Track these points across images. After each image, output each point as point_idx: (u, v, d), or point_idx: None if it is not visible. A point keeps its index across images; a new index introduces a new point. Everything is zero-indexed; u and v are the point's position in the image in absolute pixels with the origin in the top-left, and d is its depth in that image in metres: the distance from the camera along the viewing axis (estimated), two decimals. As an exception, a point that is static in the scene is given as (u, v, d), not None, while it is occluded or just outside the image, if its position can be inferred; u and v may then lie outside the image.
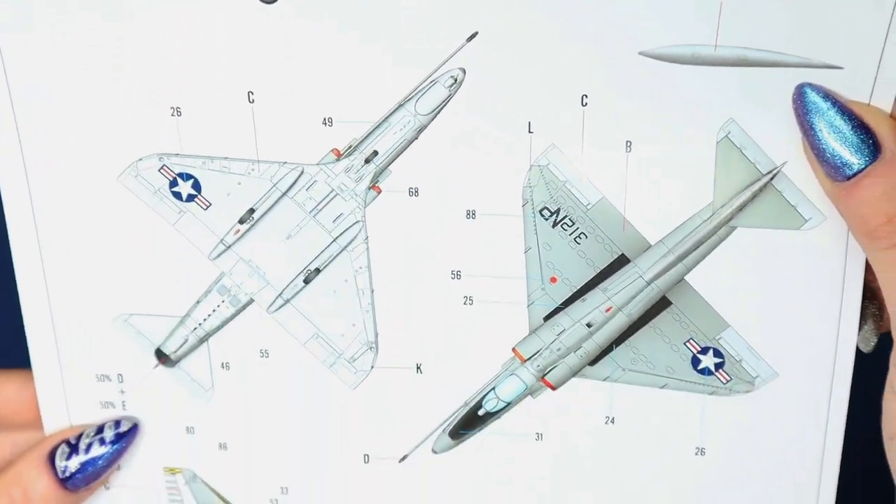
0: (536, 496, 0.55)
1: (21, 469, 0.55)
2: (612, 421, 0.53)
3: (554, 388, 0.52)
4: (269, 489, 0.58)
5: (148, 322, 0.55)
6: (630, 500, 0.54)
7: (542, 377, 0.52)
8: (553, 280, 0.51)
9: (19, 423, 0.59)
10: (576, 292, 0.51)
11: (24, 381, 0.58)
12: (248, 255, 0.53)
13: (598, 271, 0.50)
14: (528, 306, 0.51)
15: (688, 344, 0.50)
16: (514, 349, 0.52)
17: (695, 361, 0.51)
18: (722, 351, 0.50)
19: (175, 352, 0.55)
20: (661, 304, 0.50)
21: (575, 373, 0.52)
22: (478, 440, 0.54)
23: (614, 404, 0.52)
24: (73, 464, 0.55)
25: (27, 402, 0.58)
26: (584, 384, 0.52)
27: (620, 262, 0.50)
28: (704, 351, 0.50)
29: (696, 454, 0.52)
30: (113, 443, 0.56)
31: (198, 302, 0.54)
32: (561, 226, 0.50)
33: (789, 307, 0.49)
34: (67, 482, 0.55)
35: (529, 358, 0.52)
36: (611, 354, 0.51)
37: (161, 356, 0.56)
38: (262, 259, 0.53)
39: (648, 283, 0.49)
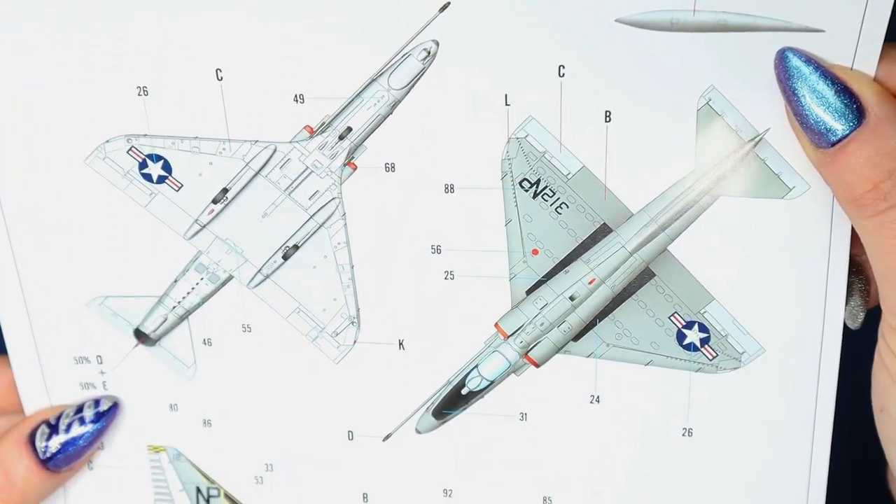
0: (521, 477, 0.54)
1: (1, 451, 0.55)
2: (598, 400, 0.52)
3: (538, 366, 0.51)
4: (253, 466, 0.57)
5: (124, 303, 0.54)
6: (616, 481, 0.53)
7: (526, 354, 0.51)
8: (535, 252, 0.50)
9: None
10: (558, 264, 0.50)
11: (1, 367, 0.57)
12: (224, 234, 0.52)
13: (581, 241, 0.49)
14: (510, 280, 0.50)
15: (672, 318, 0.50)
16: (496, 325, 0.51)
17: (680, 336, 0.50)
18: (707, 325, 0.49)
19: (154, 331, 0.55)
20: (645, 275, 0.49)
21: (559, 349, 0.51)
22: (462, 420, 0.53)
23: (599, 383, 0.51)
24: (54, 444, 0.55)
25: (5, 387, 0.57)
26: (568, 362, 0.51)
27: (603, 231, 0.49)
28: (689, 325, 0.50)
29: (684, 435, 0.52)
30: (93, 422, 0.55)
31: (175, 281, 0.53)
32: (541, 197, 0.49)
33: (774, 279, 0.48)
34: (49, 463, 0.55)
35: (512, 334, 0.51)
36: (594, 329, 0.50)
37: (140, 336, 0.55)
38: (238, 237, 0.52)
39: (631, 254, 0.49)
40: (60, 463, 0.55)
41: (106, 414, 0.56)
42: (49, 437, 0.55)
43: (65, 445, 0.55)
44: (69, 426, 0.55)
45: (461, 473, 0.55)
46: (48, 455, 0.55)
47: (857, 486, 0.57)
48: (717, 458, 0.52)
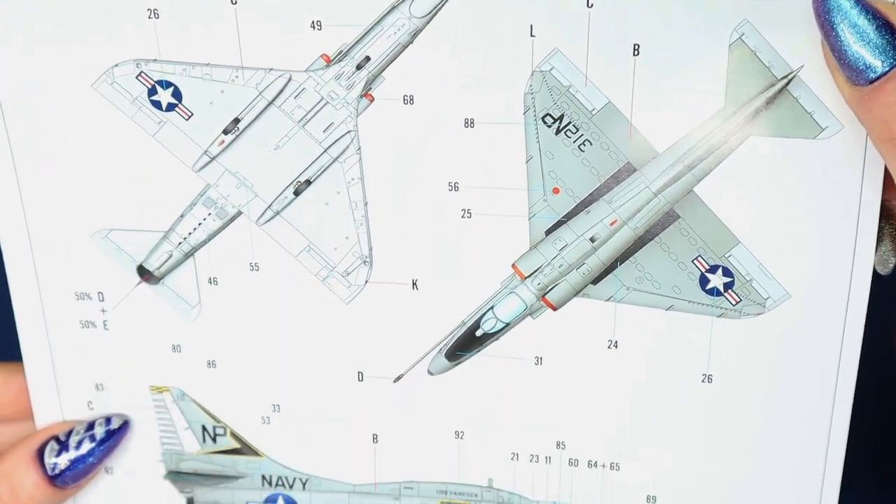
0: (534, 421, 0.53)
1: (9, 465, 0.54)
2: (616, 345, 0.51)
3: (555, 309, 0.50)
4: (260, 406, 0.56)
5: (129, 237, 0.53)
6: (632, 428, 0.53)
7: (543, 296, 0.50)
8: (556, 191, 0.48)
9: (6, 415, 0.58)
10: (579, 204, 0.49)
11: (10, 374, 0.57)
12: (234, 167, 0.50)
13: (603, 181, 0.48)
14: (530, 219, 0.49)
15: (696, 262, 0.48)
16: (513, 265, 0.50)
17: (703, 281, 0.49)
18: (731, 270, 0.48)
19: (158, 268, 0.53)
20: (669, 217, 0.48)
21: (577, 292, 0.50)
22: (475, 362, 0.52)
23: (618, 327, 0.50)
24: (63, 461, 0.55)
25: (14, 394, 0.57)
26: (586, 305, 0.50)
27: (626, 171, 0.47)
28: (713, 269, 0.48)
29: (703, 381, 0.51)
30: (104, 440, 0.55)
31: (182, 215, 0.52)
32: (564, 133, 0.47)
33: (802, 223, 0.47)
34: (56, 479, 0.54)
35: (530, 275, 0.50)
36: (615, 272, 0.49)
37: (144, 273, 0.54)
38: (249, 171, 0.51)
39: (656, 195, 0.47)
40: (68, 480, 0.55)
41: (117, 432, 0.56)
42: (58, 454, 0.55)
43: (74, 462, 0.55)
44: (79, 443, 0.55)
45: (473, 416, 0.54)
46: (56, 472, 0.54)
47: (879, 435, 0.56)
48: (738, 406, 0.51)
